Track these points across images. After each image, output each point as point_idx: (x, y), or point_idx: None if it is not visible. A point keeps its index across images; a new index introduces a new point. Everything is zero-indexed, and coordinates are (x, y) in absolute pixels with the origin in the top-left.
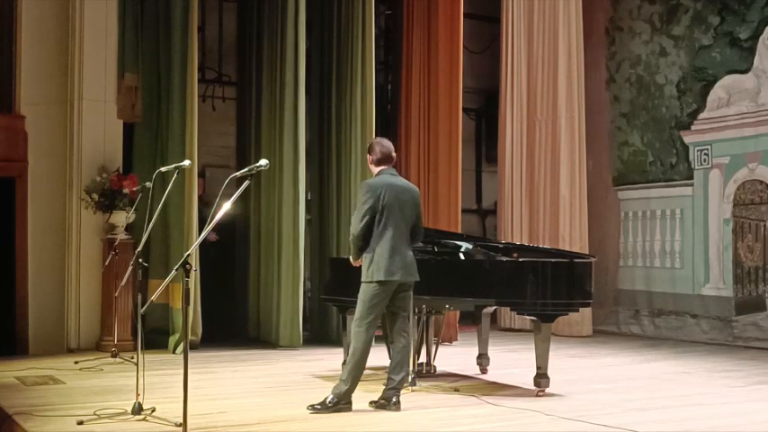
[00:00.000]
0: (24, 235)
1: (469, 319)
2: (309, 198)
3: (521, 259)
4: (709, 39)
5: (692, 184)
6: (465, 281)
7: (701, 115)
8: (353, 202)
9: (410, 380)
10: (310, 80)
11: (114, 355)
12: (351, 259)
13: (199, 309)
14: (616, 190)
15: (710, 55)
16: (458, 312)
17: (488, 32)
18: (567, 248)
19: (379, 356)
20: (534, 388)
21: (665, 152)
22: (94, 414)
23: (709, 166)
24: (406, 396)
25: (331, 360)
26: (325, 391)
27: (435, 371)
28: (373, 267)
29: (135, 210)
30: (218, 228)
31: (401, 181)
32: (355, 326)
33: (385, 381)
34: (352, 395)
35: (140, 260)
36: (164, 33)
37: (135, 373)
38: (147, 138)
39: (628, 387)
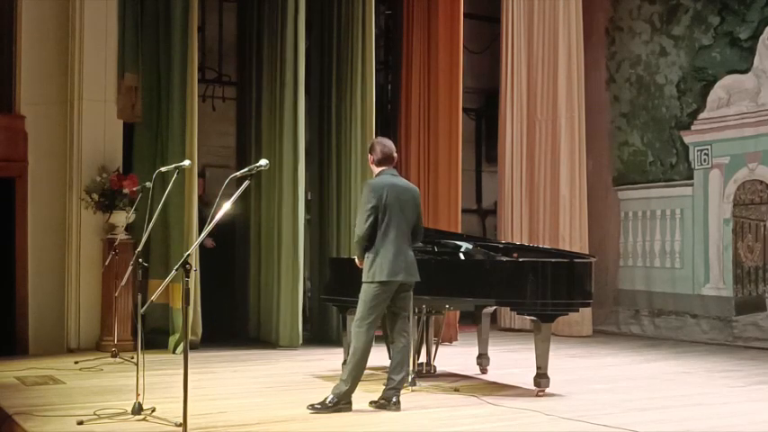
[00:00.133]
0: (24, 235)
1: (469, 319)
2: (309, 198)
3: (521, 259)
4: (710, 39)
5: (692, 184)
6: (465, 281)
7: (701, 115)
8: (353, 202)
9: (410, 380)
10: (310, 80)
11: (114, 355)
12: (356, 260)
13: (199, 309)
14: (616, 190)
15: (710, 55)
16: (458, 312)
17: (488, 32)
18: (567, 248)
19: (379, 356)
20: (534, 388)
21: (665, 152)
22: (94, 414)
23: (709, 166)
24: (406, 396)
25: (331, 360)
26: (325, 391)
27: (435, 371)
28: (375, 268)
29: (135, 210)
30: (217, 230)
31: (402, 181)
32: (356, 326)
33: (385, 381)
34: (353, 395)
35: (140, 260)
36: (164, 33)
37: (135, 373)
38: (147, 138)
39: (628, 387)
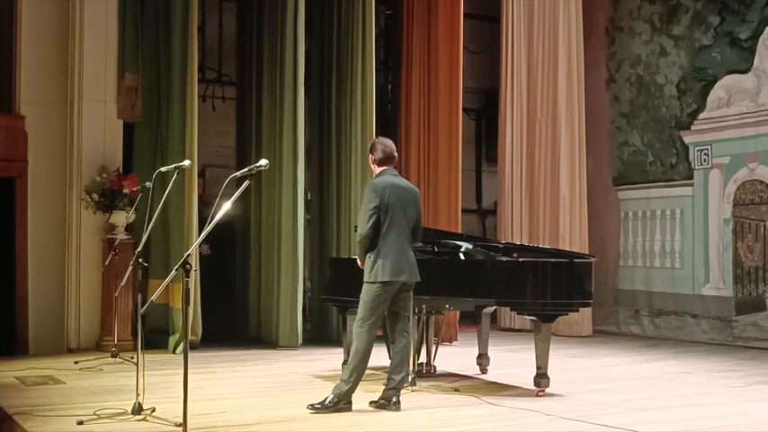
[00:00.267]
0: (24, 235)
1: (469, 319)
2: (309, 198)
3: (521, 259)
4: (710, 39)
5: (692, 184)
6: (465, 281)
7: (701, 115)
8: (353, 202)
9: (410, 380)
10: (310, 80)
11: (114, 355)
12: (358, 261)
13: (199, 309)
14: (616, 190)
15: (710, 55)
16: (458, 312)
17: (488, 32)
18: (567, 248)
19: (379, 356)
20: (534, 388)
21: (665, 152)
22: (94, 414)
23: (709, 166)
24: (406, 396)
25: (331, 360)
26: (325, 391)
27: (435, 371)
28: (377, 268)
29: (135, 210)
30: (216, 231)
31: (403, 181)
32: (357, 326)
33: (385, 381)
34: (353, 395)
35: (140, 260)
36: (164, 33)
37: (135, 373)
38: (147, 138)
39: (628, 387)
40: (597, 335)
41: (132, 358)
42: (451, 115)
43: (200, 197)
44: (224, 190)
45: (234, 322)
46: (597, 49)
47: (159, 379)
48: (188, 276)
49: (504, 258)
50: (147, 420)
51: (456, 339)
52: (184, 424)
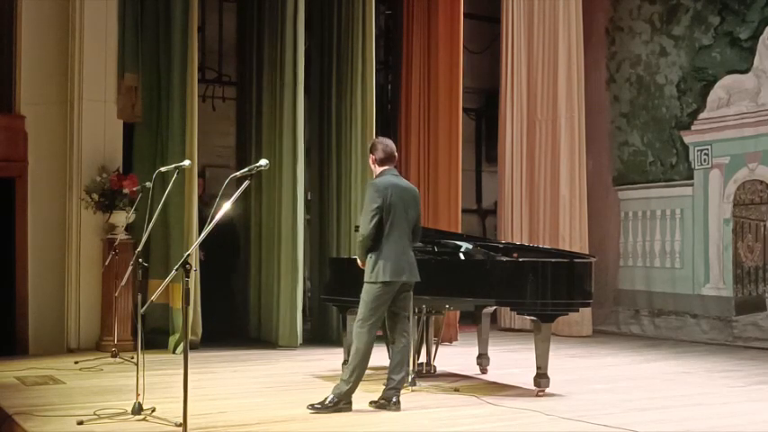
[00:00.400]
0: (24, 235)
1: (469, 319)
2: (309, 198)
3: (521, 259)
4: (710, 39)
5: (692, 184)
6: (465, 281)
7: (701, 115)
8: (354, 202)
9: (410, 380)
10: (310, 80)
11: (114, 355)
12: (358, 261)
13: (199, 309)
14: (616, 190)
15: (710, 55)
16: (458, 312)
17: (488, 32)
18: (567, 248)
19: (379, 356)
20: (534, 388)
21: (665, 152)
22: (94, 414)
23: (709, 166)
24: (406, 396)
25: (331, 360)
26: (325, 391)
27: (435, 371)
28: (378, 268)
29: (135, 210)
30: (216, 231)
31: (403, 181)
32: (357, 327)
33: (385, 381)
34: (353, 395)
35: (140, 260)
36: (164, 33)
37: (135, 373)
38: (147, 138)
39: (628, 387)
40: (597, 335)
41: (132, 358)
42: (451, 115)
43: (200, 197)
44: (224, 190)
45: (234, 322)
46: (597, 49)
47: (159, 379)
48: (188, 276)
49: (504, 258)
50: (147, 420)
51: (456, 339)
52: (184, 424)
